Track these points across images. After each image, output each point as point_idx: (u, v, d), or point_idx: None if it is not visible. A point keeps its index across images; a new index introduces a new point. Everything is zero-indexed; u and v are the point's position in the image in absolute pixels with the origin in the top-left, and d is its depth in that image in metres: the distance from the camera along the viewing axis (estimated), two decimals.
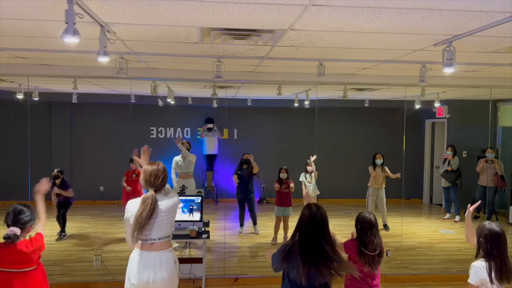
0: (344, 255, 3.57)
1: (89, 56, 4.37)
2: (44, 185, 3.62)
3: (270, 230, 7.79)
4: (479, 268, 2.93)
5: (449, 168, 9.23)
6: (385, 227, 8.46)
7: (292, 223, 5.51)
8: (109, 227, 8.53)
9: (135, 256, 3.40)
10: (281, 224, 7.61)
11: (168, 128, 11.02)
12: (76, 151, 10.46)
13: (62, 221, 7.58)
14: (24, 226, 3.31)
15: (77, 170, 10.28)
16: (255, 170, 7.83)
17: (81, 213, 9.46)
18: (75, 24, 2.56)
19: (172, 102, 8.38)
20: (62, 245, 7.32)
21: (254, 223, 8.19)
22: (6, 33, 3.68)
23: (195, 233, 5.30)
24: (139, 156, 3.82)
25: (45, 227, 3.55)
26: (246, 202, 8.07)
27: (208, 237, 5.37)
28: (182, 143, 8.00)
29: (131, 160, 7.21)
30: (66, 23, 2.55)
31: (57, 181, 7.41)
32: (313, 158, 7.53)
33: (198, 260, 5.53)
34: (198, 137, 11.01)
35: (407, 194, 10.50)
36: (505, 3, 2.56)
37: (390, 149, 9.02)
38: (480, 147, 9.40)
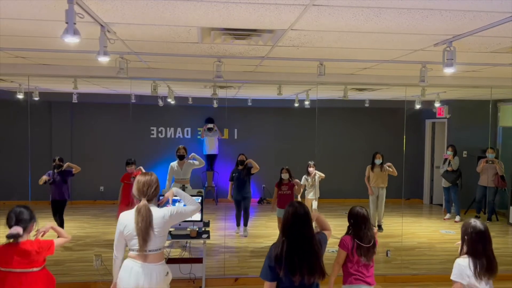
0: (342, 253, 3.65)
1: (89, 56, 4.37)
2: (45, 229, 3.57)
3: (270, 230, 7.77)
4: (462, 265, 3.04)
5: (449, 168, 9.23)
6: (379, 227, 8.34)
7: None
8: (109, 227, 8.51)
9: (128, 264, 3.34)
10: None
11: (168, 128, 11.00)
12: (76, 151, 10.44)
13: (60, 224, 7.53)
14: (25, 225, 3.34)
15: None
16: (255, 170, 7.82)
17: (81, 213, 9.47)
18: (75, 24, 2.57)
19: (172, 102, 8.37)
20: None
21: (245, 223, 8.04)
22: (6, 33, 3.68)
23: (195, 233, 5.31)
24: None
25: (66, 244, 3.49)
26: (242, 202, 8.02)
27: (208, 237, 5.37)
28: (184, 150, 7.64)
29: (128, 163, 7.13)
30: (66, 23, 2.55)
31: (58, 170, 7.27)
32: (311, 169, 7.57)
33: (198, 260, 5.54)
34: (199, 137, 11.01)
35: (407, 194, 10.50)
36: (505, 3, 2.56)
37: (390, 149, 9.01)
38: (480, 147, 9.39)
